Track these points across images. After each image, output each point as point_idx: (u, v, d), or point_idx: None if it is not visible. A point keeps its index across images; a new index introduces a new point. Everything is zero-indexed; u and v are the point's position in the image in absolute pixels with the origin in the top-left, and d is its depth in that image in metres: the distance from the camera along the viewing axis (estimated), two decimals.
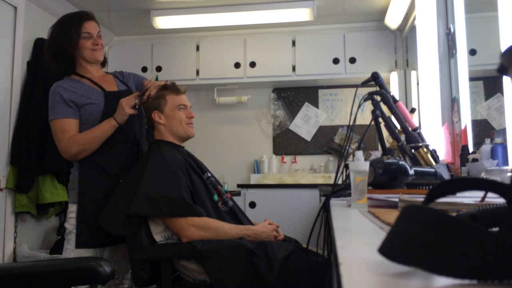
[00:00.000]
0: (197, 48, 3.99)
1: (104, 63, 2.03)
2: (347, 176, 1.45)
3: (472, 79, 2.29)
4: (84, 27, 1.87)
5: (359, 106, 1.68)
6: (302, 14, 3.56)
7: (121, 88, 1.96)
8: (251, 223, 1.88)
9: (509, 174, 1.39)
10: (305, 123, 4.14)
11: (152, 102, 1.86)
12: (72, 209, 1.85)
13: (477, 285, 0.34)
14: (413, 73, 3.45)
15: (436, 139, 2.45)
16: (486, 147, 1.85)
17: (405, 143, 1.77)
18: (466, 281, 0.35)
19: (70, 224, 1.83)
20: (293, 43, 3.89)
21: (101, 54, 1.94)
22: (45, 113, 3.03)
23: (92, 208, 1.80)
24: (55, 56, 1.89)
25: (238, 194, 3.58)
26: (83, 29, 1.86)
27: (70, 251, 1.81)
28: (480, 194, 0.88)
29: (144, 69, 4.02)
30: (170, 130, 1.85)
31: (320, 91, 4.15)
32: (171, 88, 1.88)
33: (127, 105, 1.78)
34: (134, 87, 2.03)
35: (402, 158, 1.54)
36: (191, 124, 1.88)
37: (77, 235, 1.80)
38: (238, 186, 3.70)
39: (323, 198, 1.89)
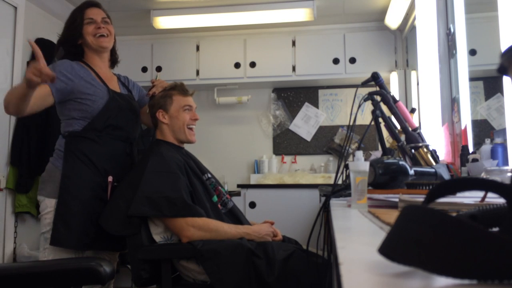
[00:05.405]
0: (197, 48, 3.99)
1: (114, 63, 1.99)
2: (347, 176, 1.45)
3: (472, 79, 2.29)
4: (87, 13, 1.84)
5: (359, 106, 1.68)
6: (302, 14, 3.56)
7: (123, 92, 1.93)
8: (249, 225, 1.88)
9: (509, 174, 1.39)
10: (305, 123, 4.13)
11: (158, 100, 1.85)
12: (51, 204, 1.69)
13: (477, 285, 0.34)
14: (413, 73, 3.44)
15: (436, 139, 2.45)
16: (486, 147, 1.85)
17: (405, 143, 1.77)
18: (466, 281, 0.35)
19: (50, 222, 1.67)
20: (293, 43, 3.89)
21: (106, 41, 1.85)
22: (45, 113, 3.06)
23: (75, 204, 1.68)
24: (63, 46, 1.84)
25: (238, 194, 3.57)
26: (86, 15, 1.84)
27: (50, 251, 1.67)
28: (480, 194, 0.88)
29: (144, 69, 4.01)
30: (172, 131, 1.85)
31: (320, 91, 4.15)
32: (178, 88, 1.87)
33: (33, 68, 1.43)
34: (136, 97, 2.00)
35: (402, 158, 1.54)
36: (193, 126, 1.87)
37: (53, 230, 1.64)
38: (238, 186, 3.69)
39: (323, 198, 1.89)
